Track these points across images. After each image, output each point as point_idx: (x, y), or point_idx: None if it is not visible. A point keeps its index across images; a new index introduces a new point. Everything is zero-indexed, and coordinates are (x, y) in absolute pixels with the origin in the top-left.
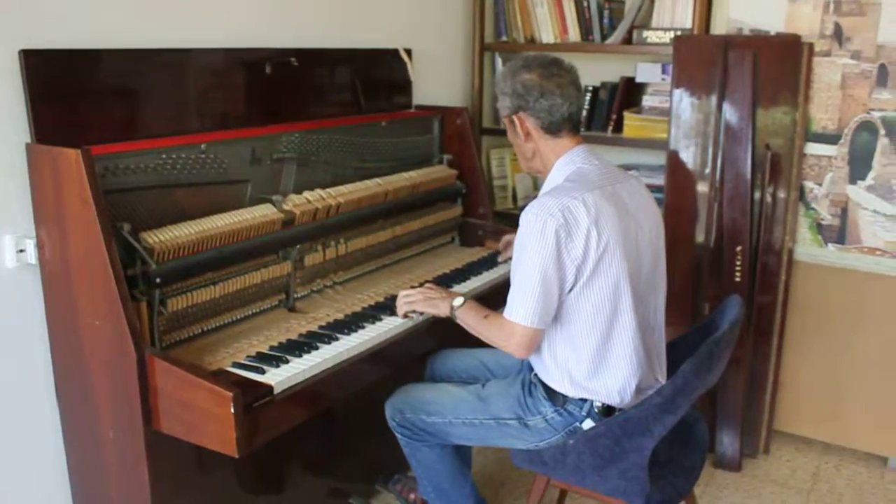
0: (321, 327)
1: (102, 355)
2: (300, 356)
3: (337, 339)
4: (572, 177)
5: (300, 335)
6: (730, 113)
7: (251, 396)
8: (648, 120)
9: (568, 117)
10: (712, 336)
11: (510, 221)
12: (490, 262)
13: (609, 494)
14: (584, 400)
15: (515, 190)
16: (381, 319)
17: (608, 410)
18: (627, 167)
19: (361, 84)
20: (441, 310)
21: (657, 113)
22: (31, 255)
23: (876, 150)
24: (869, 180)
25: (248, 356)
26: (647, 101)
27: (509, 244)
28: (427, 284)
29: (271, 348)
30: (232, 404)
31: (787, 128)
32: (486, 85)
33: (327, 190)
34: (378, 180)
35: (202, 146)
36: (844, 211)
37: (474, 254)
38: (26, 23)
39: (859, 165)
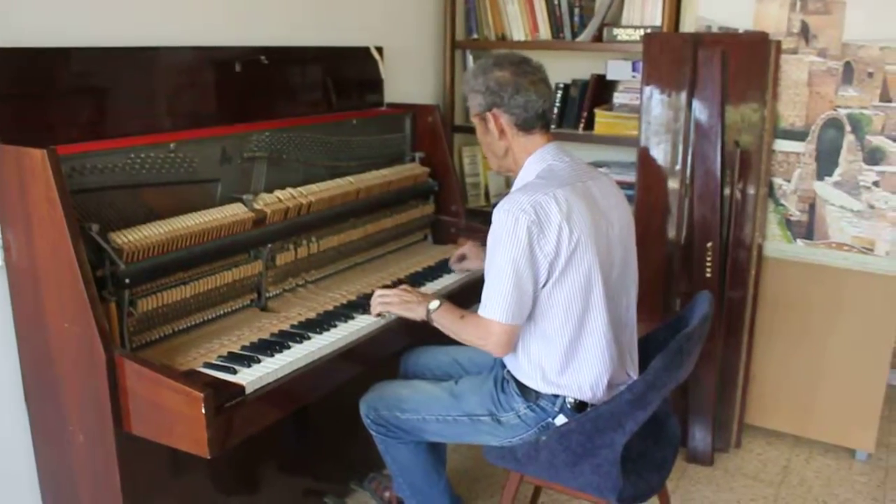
0: (293, 326)
1: (71, 357)
2: (272, 356)
3: (309, 338)
4: (543, 174)
5: (272, 335)
6: (699, 110)
7: (223, 397)
8: (619, 117)
9: (542, 114)
10: (682, 332)
11: (483, 219)
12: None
13: (582, 490)
14: (557, 396)
15: (488, 187)
16: (353, 318)
17: (580, 406)
18: (599, 164)
19: (332, 82)
20: (417, 314)
21: (628, 110)
22: None
23: (842, 146)
24: (836, 176)
25: (219, 356)
26: (618, 98)
27: (462, 257)
28: (402, 286)
29: (243, 348)
30: (203, 405)
31: (756, 125)
32: (458, 82)
33: (299, 189)
34: (350, 178)
35: (171, 145)
36: (812, 207)
37: (447, 251)
38: None
39: (826, 162)
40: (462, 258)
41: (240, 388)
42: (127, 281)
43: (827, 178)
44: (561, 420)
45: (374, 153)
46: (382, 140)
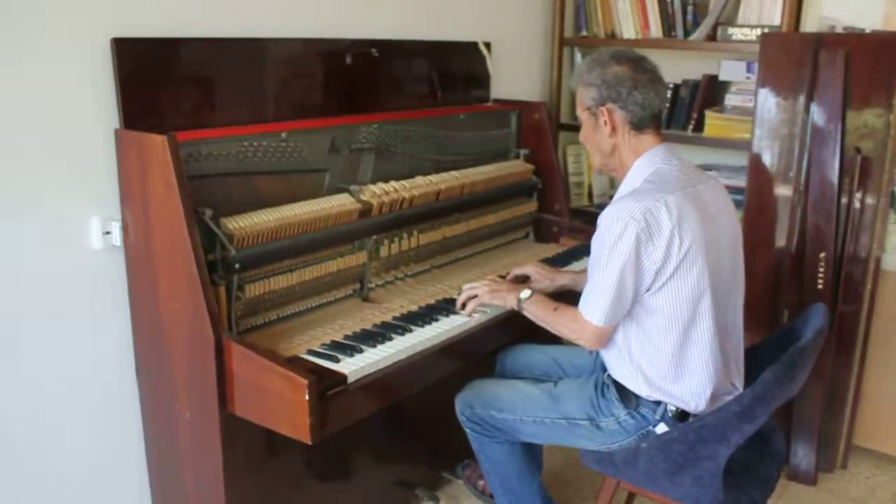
0: (395, 318)
1: (181, 337)
2: (374, 346)
3: (410, 330)
4: (652, 178)
5: (374, 325)
6: (818, 114)
7: (325, 384)
8: (731, 119)
9: (657, 114)
10: (795, 344)
11: (585, 219)
12: (564, 259)
13: (681, 500)
14: (658, 403)
15: (591, 187)
16: (455, 313)
17: (682, 415)
18: (707, 167)
19: (440, 76)
20: (507, 302)
21: (740, 112)
22: (117, 238)
23: None
24: None
25: (322, 344)
26: (730, 99)
27: (525, 278)
28: (490, 277)
29: (345, 337)
30: (307, 391)
31: (880, 131)
32: (565, 80)
33: (403, 182)
34: (455, 173)
35: (283, 134)
36: None
37: (548, 250)
38: (116, 11)
39: None
40: (525, 279)
41: (342, 377)
42: (237, 266)
43: None
44: (662, 428)
45: (479, 149)
46: (488, 136)
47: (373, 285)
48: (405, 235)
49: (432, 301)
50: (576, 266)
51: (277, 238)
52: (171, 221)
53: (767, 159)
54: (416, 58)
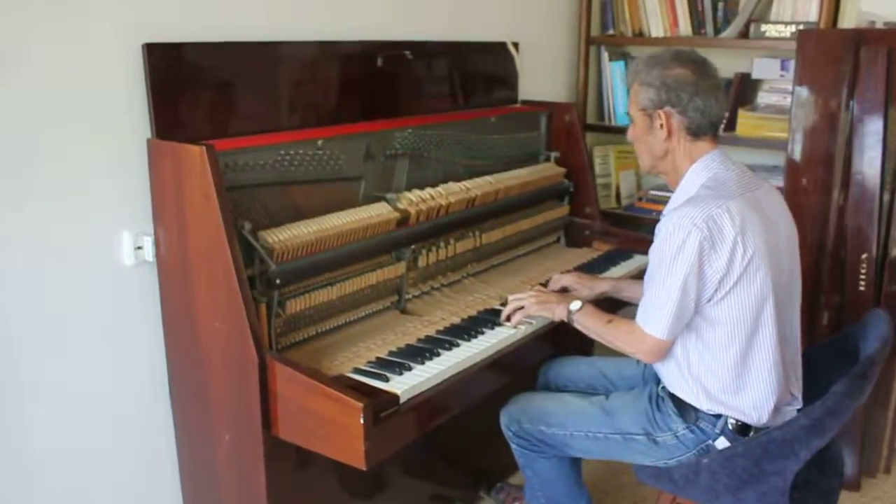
0: (439, 332)
1: (220, 357)
2: (422, 363)
3: (457, 344)
4: (710, 183)
5: (418, 340)
6: (858, 112)
7: (378, 406)
8: (764, 118)
9: (716, 122)
10: (865, 355)
11: (611, 221)
12: (601, 264)
13: None
14: (718, 416)
15: (619, 188)
16: (499, 325)
17: (743, 428)
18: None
19: (470, 78)
20: (556, 314)
21: (774, 111)
22: (149, 253)
23: None
24: None
25: (368, 362)
26: (763, 98)
27: (563, 289)
28: (536, 287)
29: (391, 354)
30: (362, 415)
31: None
32: (591, 79)
33: (439, 188)
34: (489, 178)
35: (319, 142)
36: None
37: (582, 255)
38: (147, 15)
39: None
40: (562, 290)
41: (393, 398)
42: (278, 281)
43: None
44: (722, 443)
45: (509, 152)
46: (518, 139)
47: (410, 296)
48: (442, 244)
49: (473, 312)
50: (613, 272)
51: (317, 251)
52: (210, 236)
53: (804, 159)
54: (446, 58)
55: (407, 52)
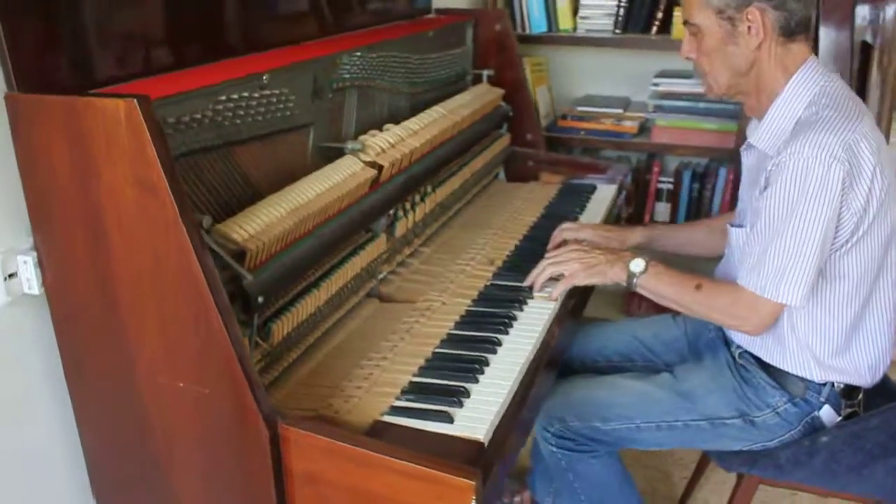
0: (459, 326)
1: (191, 436)
2: (475, 379)
3: (497, 342)
4: (825, 101)
5: (442, 342)
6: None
7: (484, 474)
8: None
9: (809, 18)
10: None
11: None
12: (566, 203)
13: (866, 495)
14: (824, 383)
15: (537, 108)
16: (527, 303)
17: (850, 392)
18: (681, 75)
19: None
20: (610, 277)
21: None
22: (31, 282)
23: None
24: None
25: (402, 392)
26: None
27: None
28: (570, 245)
29: (422, 371)
30: (473, 497)
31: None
32: None
33: (395, 129)
34: (439, 109)
35: (265, 77)
36: None
37: (537, 191)
38: None
39: None
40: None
41: (477, 447)
42: (260, 300)
43: None
44: (828, 412)
45: (442, 74)
46: (450, 57)
47: (382, 276)
48: (418, 201)
49: (474, 292)
50: (593, 211)
51: (293, 241)
52: (160, 247)
53: None
54: None
55: None
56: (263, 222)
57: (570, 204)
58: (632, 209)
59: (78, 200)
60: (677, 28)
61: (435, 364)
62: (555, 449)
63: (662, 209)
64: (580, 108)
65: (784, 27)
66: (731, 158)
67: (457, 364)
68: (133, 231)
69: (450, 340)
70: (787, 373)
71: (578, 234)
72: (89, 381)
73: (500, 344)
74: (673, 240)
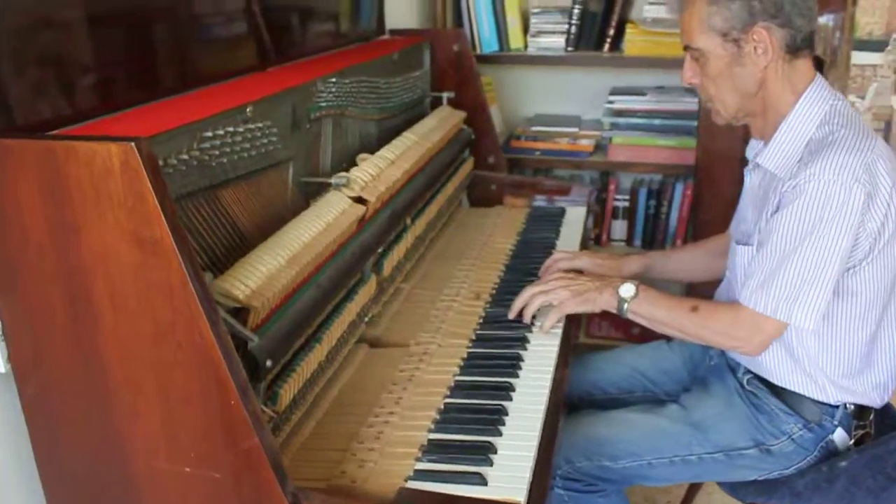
0: (465, 370)
1: None
2: (498, 432)
3: (511, 387)
4: (838, 120)
5: (451, 390)
6: None
7: None
8: (654, 33)
9: (812, 34)
10: None
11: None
12: (542, 223)
13: None
14: (837, 405)
15: None
16: (528, 340)
17: (861, 413)
18: (634, 92)
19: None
20: (600, 304)
21: (668, 25)
22: None
23: None
24: None
25: (423, 452)
26: (649, 11)
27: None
28: (555, 272)
29: (438, 426)
30: None
31: (830, 34)
32: (449, 1)
33: (373, 159)
34: (410, 136)
35: (248, 109)
36: (889, 125)
37: (504, 216)
38: None
39: None
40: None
41: None
42: (268, 363)
43: None
44: (841, 435)
45: (405, 99)
46: (411, 80)
47: (368, 318)
48: (403, 235)
49: (469, 331)
50: (568, 238)
51: (293, 293)
52: (162, 311)
53: None
54: None
55: None
56: (264, 274)
57: (542, 230)
58: (597, 231)
59: (55, 262)
60: (629, 45)
61: (450, 417)
62: (562, 491)
63: (619, 227)
64: (535, 128)
65: (790, 45)
66: (690, 175)
67: (475, 416)
68: (127, 296)
69: (459, 388)
70: (802, 396)
71: (574, 263)
72: (66, 467)
73: (513, 389)
74: (672, 265)
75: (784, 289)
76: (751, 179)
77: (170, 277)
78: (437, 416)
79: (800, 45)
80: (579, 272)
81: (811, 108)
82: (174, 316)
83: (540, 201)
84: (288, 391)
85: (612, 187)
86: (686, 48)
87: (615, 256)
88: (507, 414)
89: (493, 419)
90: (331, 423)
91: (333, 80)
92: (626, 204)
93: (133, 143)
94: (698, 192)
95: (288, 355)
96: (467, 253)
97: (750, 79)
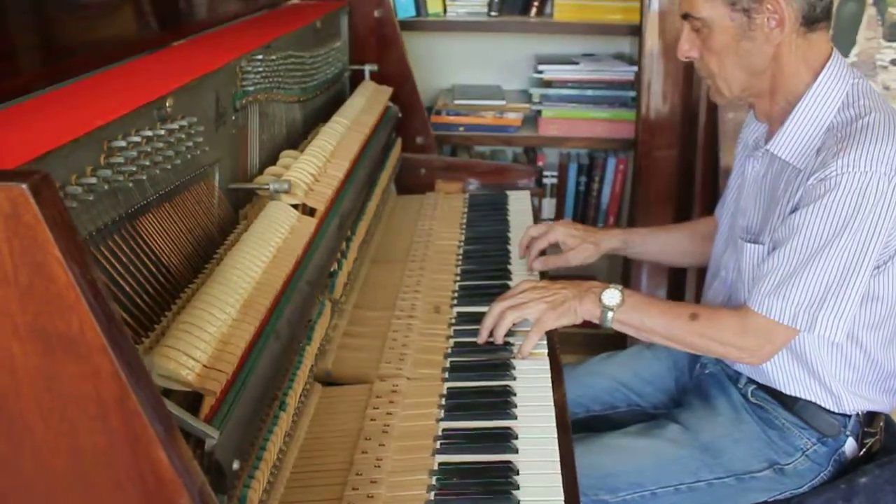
0: (450, 414)
1: None
2: (508, 496)
3: (512, 434)
4: (864, 102)
5: (443, 445)
6: None
7: None
8: None
9: (830, 5)
10: None
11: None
12: (486, 212)
13: None
14: (850, 414)
15: None
16: (513, 367)
17: (869, 419)
18: (567, 60)
19: None
20: (584, 315)
21: None
22: None
23: (861, 22)
24: (853, 57)
25: None
26: None
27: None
28: (526, 282)
29: (438, 499)
30: None
31: None
32: None
33: (310, 154)
34: (341, 121)
35: (167, 104)
36: None
37: (441, 205)
38: None
39: (843, 42)
40: (542, 252)
41: None
42: (235, 465)
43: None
44: (851, 444)
45: (327, 75)
46: (332, 52)
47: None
48: (349, 246)
49: (445, 352)
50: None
51: (249, 351)
52: (85, 437)
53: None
54: None
55: None
56: (213, 338)
57: (489, 220)
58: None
59: None
60: (559, 9)
61: (450, 483)
62: None
63: (548, 205)
64: (458, 102)
65: (807, 16)
66: (628, 149)
67: (479, 481)
68: (30, 423)
69: (449, 440)
70: (816, 407)
71: (549, 237)
72: None
73: (515, 437)
74: (652, 245)
75: (807, 294)
76: (753, 167)
77: (99, 390)
78: (433, 481)
79: (818, 17)
80: (553, 280)
81: (830, 88)
82: (109, 446)
83: (473, 185)
84: (257, 489)
85: (539, 164)
86: (685, 17)
87: (592, 229)
88: (517, 473)
89: (505, 483)
90: (296, 499)
91: (260, 57)
92: (555, 181)
93: (26, 185)
94: (638, 167)
95: (260, 444)
96: (411, 254)
97: (759, 54)
